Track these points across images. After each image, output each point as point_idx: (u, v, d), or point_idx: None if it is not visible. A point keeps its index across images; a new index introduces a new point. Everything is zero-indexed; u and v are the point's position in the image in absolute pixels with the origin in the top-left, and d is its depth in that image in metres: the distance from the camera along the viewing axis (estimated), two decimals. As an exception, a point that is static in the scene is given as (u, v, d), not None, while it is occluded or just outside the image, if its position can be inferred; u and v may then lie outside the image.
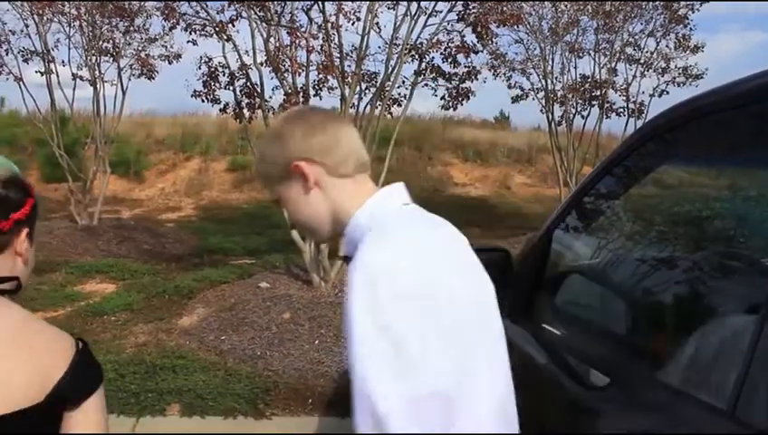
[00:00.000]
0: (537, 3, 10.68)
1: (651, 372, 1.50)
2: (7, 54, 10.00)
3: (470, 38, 6.41)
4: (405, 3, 6.20)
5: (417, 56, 6.39)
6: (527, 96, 11.84)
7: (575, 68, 11.40)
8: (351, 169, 1.33)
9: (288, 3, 6.18)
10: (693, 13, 10.80)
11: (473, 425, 1.14)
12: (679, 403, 1.32)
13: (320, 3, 5.96)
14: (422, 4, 6.16)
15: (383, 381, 1.06)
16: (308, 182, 1.29)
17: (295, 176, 1.29)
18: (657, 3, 10.57)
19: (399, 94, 6.62)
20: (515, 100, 12.00)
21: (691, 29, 11.09)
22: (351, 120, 5.98)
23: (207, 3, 6.21)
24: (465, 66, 6.55)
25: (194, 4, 6.22)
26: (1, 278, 1.23)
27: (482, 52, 7.10)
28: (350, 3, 6.19)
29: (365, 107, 6.53)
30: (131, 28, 10.06)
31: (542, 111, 11.63)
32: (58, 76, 10.37)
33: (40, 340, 1.20)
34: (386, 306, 1.09)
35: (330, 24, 5.96)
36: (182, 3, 6.27)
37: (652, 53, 11.34)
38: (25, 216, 1.30)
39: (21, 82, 10.16)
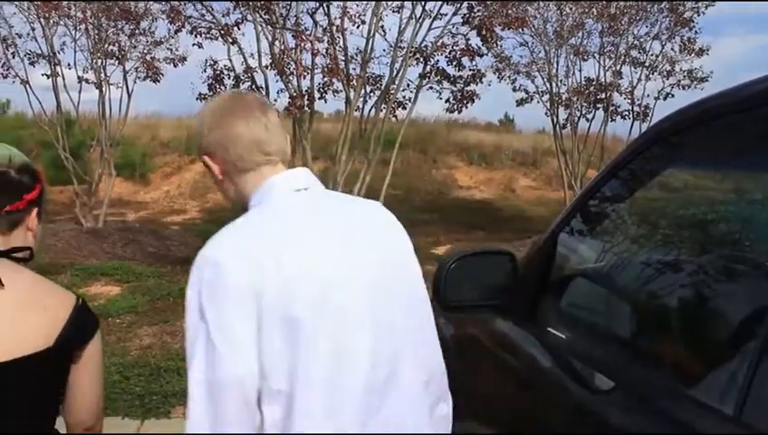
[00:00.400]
0: (542, 6, 10.68)
1: (656, 376, 1.50)
2: (14, 57, 10.05)
3: (475, 41, 6.43)
4: (410, 6, 6.21)
5: (421, 59, 6.40)
6: (532, 99, 11.84)
7: (580, 71, 11.42)
8: (252, 163, 1.38)
9: (293, 6, 6.20)
10: (698, 16, 10.78)
11: (301, 422, 1.17)
12: (685, 407, 1.32)
13: (325, 6, 5.97)
14: (427, 7, 6.17)
15: (195, 366, 1.18)
16: (215, 173, 1.41)
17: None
18: (662, 6, 10.55)
19: (404, 97, 6.64)
20: (520, 103, 12.00)
21: (696, 32, 11.08)
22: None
23: (213, 6, 6.24)
24: (470, 69, 6.57)
25: (199, 7, 6.24)
26: (16, 248, 1.48)
27: (486, 55, 7.11)
28: (355, 6, 6.21)
29: (370, 110, 6.56)
30: (137, 31, 10.09)
31: (546, 113, 11.64)
32: (64, 79, 10.40)
33: (48, 297, 1.49)
34: (210, 296, 1.19)
35: (335, 28, 5.98)
36: (188, 6, 6.28)
37: (657, 56, 11.33)
38: (36, 197, 1.55)
39: (27, 85, 10.21)
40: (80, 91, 10.55)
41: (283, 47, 6.03)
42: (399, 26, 6.28)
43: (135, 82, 10.47)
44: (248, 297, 1.18)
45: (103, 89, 10.32)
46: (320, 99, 6.47)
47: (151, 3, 9.47)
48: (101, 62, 10.22)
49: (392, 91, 6.36)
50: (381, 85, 6.51)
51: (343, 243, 1.32)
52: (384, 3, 6.23)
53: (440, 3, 6.21)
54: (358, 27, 6.13)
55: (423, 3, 6.15)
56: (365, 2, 6.27)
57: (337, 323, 1.24)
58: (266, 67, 6.24)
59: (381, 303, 1.31)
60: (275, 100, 6.50)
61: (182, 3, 6.29)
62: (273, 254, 1.22)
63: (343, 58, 6.08)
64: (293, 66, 6.01)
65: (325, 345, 1.21)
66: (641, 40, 11.22)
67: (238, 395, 1.17)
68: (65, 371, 1.50)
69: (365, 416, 1.24)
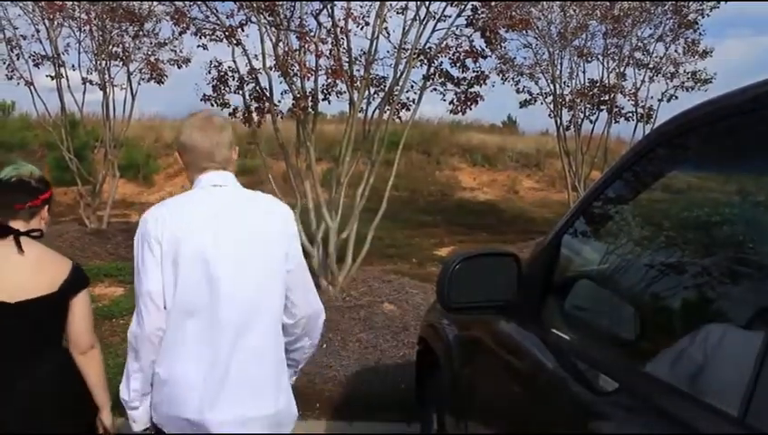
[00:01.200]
0: (546, 8, 10.67)
1: (660, 377, 1.50)
2: (18, 59, 10.08)
3: (479, 43, 6.41)
4: (414, 7, 6.21)
5: (425, 61, 6.40)
6: (535, 100, 11.84)
7: (584, 72, 11.40)
8: (199, 167, 2.18)
9: (297, 8, 6.20)
10: (703, 18, 10.76)
11: (169, 322, 2.05)
12: (689, 409, 1.32)
13: (329, 7, 5.98)
14: (431, 8, 6.17)
15: (135, 282, 2.11)
16: (182, 163, 2.26)
17: None
18: (666, 8, 10.53)
19: (408, 99, 6.63)
20: (524, 104, 12.00)
21: (700, 34, 11.06)
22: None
23: (217, 8, 6.24)
24: (474, 71, 6.54)
25: (204, 8, 6.25)
26: (33, 230, 2.40)
27: (490, 56, 7.10)
28: (359, 8, 6.21)
29: (374, 111, 6.55)
30: (141, 33, 10.11)
31: (550, 115, 11.62)
32: (68, 80, 10.43)
33: (53, 261, 2.42)
34: (139, 241, 2.08)
35: (339, 29, 5.98)
36: (192, 7, 6.29)
37: (661, 58, 11.31)
38: (48, 198, 2.50)
39: (31, 87, 10.23)
40: (84, 93, 10.58)
41: (287, 49, 6.03)
42: (403, 28, 6.27)
43: (139, 84, 10.51)
44: (155, 244, 2.03)
45: (107, 90, 10.34)
46: (323, 100, 6.46)
47: (155, 4, 9.50)
48: (106, 64, 10.24)
49: (396, 93, 6.36)
50: (385, 87, 6.50)
51: (222, 221, 2.09)
52: (388, 4, 6.22)
53: (444, 4, 6.21)
54: (362, 29, 6.13)
55: (427, 4, 6.14)
56: (369, 2, 6.26)
57: (204, 271, 2.03)
58: (270, 68, 6.23)
59: (242, 267, 2.07)
60: (279, 101, 6.51)
61: (186, 4, 6.29)
62: (172, 220, 2.05)
63: (347, 60, 6.08)
64: (297, 68, 6.01)
65: (198, 295, 2.04)
66: (645, 42, 11.21)
67: (149, 300, 2.04)
68: (65, 309, 2.40)
69: (230, 342, 2.06)
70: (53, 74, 10.22)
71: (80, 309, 2.44)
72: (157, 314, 2.04)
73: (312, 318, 2.29)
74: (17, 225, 2.38)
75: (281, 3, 6.02)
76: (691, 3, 10.61)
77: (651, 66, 11.31)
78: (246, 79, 6.47)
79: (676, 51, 11.30)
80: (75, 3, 9.64)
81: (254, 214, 2.17)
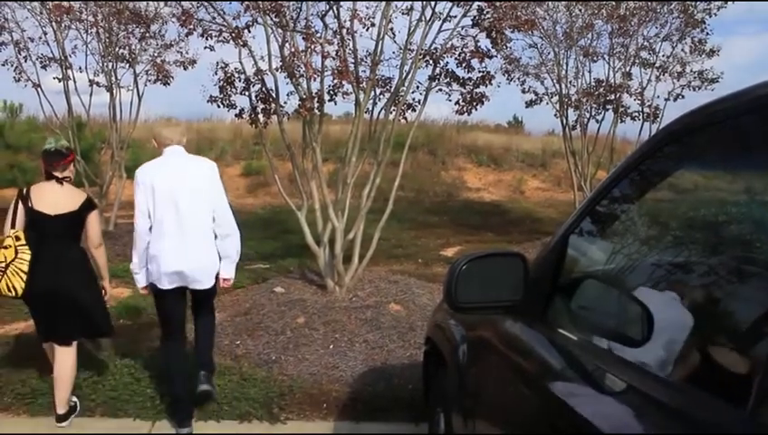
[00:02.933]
0: (551, 7, 10.66)
1: (668, 376, 1.50)
2: (26, 61, 10.15)
3: (484, 43, 6.40)
4: (419, 8, 6.21)
5: (431, 61, 6.39)
6: (541, 100, 11.83)
7: (589, 72, 11.40)
8: (162, 147, 4.20)
9: (303, 9, 6.21)
10: (710, 17, 10.72)
11: (161, 232, 4.02)
12: (698, 407, 1.32)
13: (335, 8, 5.99)
14: (437, 9, 6.17)
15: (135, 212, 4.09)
16: (155, 145, 4.30)
17: None
18: (672, 7, 10.51)
19: (414, 99, 6.62)
20: (529, 104, 11.99)
21: (707, 33, 11.03)
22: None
23: (224, 9, 6.25)
24: (480, 71, 6.54)
25: (210, 10, 6.26)
26: (65, 177, 4.31)
27: (496, 57, 7.09)
28: (365, 8, 6.21)
29: (379, 112, 6.55)
30: (147, 34, 10.15)
31: (556, 115, 11.62)
32: (75, 82, 10.50)
33: (75, 193, 4.37)
34: (136, 187, 4.09)
35: (344, 30, 5.98)
36: (198, 9, 6.30)
37: (667, 57, 11.28)
38: (73, 158, 4.44)
39: (39, 89, 10.29)
40: (91, 95, 10.65)
41: (293, 50, 6.03)
42: (409, 28, 6.27)
43: (145, 85, 10.56)
44: (147, 188, 4.00)
45: (114, 92, 10.40)
46: (329, 101, 6.47)
47: (162, 6, 9.54)
48: (112, 66, 10.30)
49: (402, 94, 6.36)
50: (391, 87, 6.50)
51: (178, 174, 4.08)
52: (393, 5, 6.23)
53: (450, 5, 6.20)
54: (367, 30, 6.13)
55: (432, 5, 6.14)
56: (375, 3, 6.26)
57: (172, 202, 3.97)
58: (276, 70, 6.24)
59: (190, 198, 4.01)
60: (285, 102, 6.52)
61: (193, 5, 6.30)
62: (152, 173, 4.05)
63: (353, 60, 6.08)
64: (303, 69, 6.02)
65: (167, 209, 3.99)
66: (651, 41, 11.19)
67: (141, 214, 4.03)
68: (83, 220, 4.27)
69: (181, 231, 4.00)
70: (60, 76, 10.28)
71: (91, 221, 4.37)
72: (145, 221, 4.05)
73: (223, 227, 4.14)
74: (57, 173, 4.30)
75: (287, 4, 6.03)
76: (698, 2, 10.58)
77: (657, 65, 11.29)
78: (253, 80, 6.48)
79: (682, 50, 11.28)
80: (83, 5, 9.68)
81: (194, 166, 4.24)
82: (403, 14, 6.36)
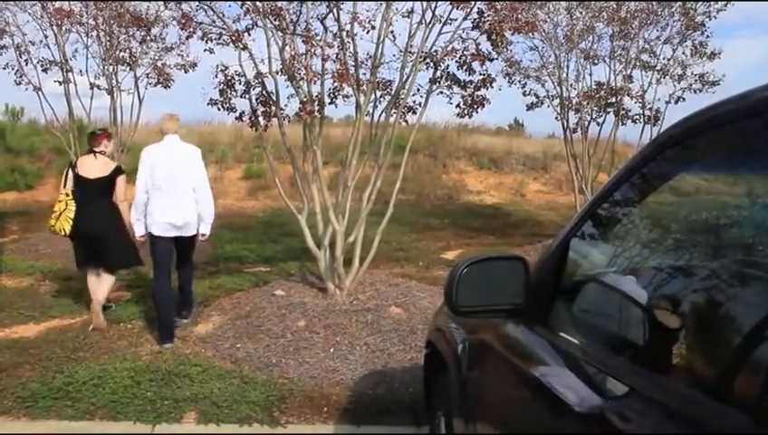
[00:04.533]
0: (552, 10, 10.66)
1: (670, 380, 1.49)
2: (27, 64, 10.14)
3: (485, 45, 6.40)
4: (420, 11, 6.20)
5: (431, 64, 6.39)
6: (542, 103, 11.81)
7: (590, 75, 11.35)
8: (163, 135, 5.82)
9: (303, 12, 6.21)
10: (710, 20, 10.72)
11: (157, 196, 5.62)
12: (700, 410, 1.31)
13: (335, 11, 5.98)
14: (437, 12, 6.17)
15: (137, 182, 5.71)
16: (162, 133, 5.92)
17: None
18: (673, 9, 10.50)
19: (414, 102, 6.62)
20: (530, 107, 11.96)
21: (708, 36, 11.02)
22: (364, 126, 6.04)
23: (224, 12, 6.25)
24: (480, 74, 6.53)
25: (210, 13, 6.26)
26: (102, 151, 6.32)
27: (497, 59, 7.08)
28: (366, 11, 6.21)
29: (380, 115, 6.55)
30: (148, 37, 10.16)
31: (556, 118, 11.59)
32: (76, 85, 10.49)
33: (108, 163, 6.34)
34: (140, 163, 5.74)
35: (345, 33, 5.98)
36: (198, 12, 6.30)
37: (668, 60, 11.27)
38: (107, 136, 6.50)
39: (40, 92, 10.29)
40: (91, 98, 10.63)
41: (293, 53, 6.03)
42: (409, 31, 6.26)
43: (146, 88, 10.55)
44: (148, 163, 5.65)
45: (115, 95, 10.39)
46: (330, 104, 6.46)
47: (162, 9, 9.54)
48: (113, 69, 10.30)
49: (402, 96, 6.35)
50: (391, 90, 6.49)
51: (172, 154, 5.70)
52: (394, 8, 6.22)
53: (450, 8, 6.20)
54: (368, 32, 6.12)
55: (433, 7, 6.14)
56: (375, 3, 6.26)
57: (167, 174, 5.61)
58: (277, 72, 6.23)
59: (179, 172, 5.65)
60: (286, 105, 6.50)
61: (193, 8, 6.30)
62: (153, 152, 5.72)
63: (353, 63, 6.07)
64: (304, 71, 6.01)
65: (162, 178, 5.59)
66: (652, 44, 11.16)
67: (142, 185, 5.64)
68: (113, 183, 6.18)
69: (170, 194, 5.60)
70: (61, 80, 10.28)
71: (119, 183, 6.20)
72: (144, 189, 5.60)
73: (201, 195, 5.72)
74: (96, 148, 6.25)
75: (287, 6, 6.03)
76: (698, 5, 10.57)
77: (658, 68, 11.27)
78: (253, 83, 6.48)
79: (683, 53, 11.27)
80: (83, 8, 9.69)
81: (183, 150, 5.78)
82: (403, 16, 6.36)
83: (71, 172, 6.26)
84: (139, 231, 5.72)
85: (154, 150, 5.71)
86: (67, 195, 6.16)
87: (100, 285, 6.19)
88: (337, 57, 5.98)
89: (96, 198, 6.12)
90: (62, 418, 4.40)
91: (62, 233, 6.17)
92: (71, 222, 6.07)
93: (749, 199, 1.59)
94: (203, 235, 5.84)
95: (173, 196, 5.58)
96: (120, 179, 6.21)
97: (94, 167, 6.19)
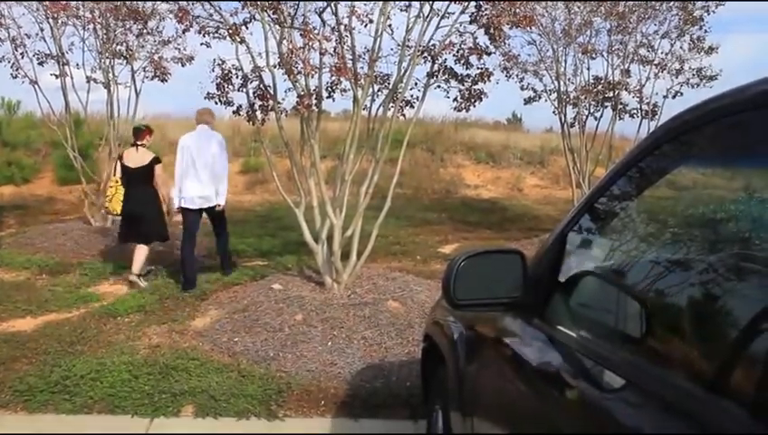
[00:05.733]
0: (550, 4, 10.64)
1: (667, 374, 1.50)
2: (23, 57, 10.10)
3: (483, 40, 6.39)
4: (417, 5, 6.19)
5: (429, 58, 6.38)
6: (540, 98, 11.81)
7: (588, 69, 11.36)
8: (197, 124, 7.36)
9: (301, 5, 6.20)
10: (708, 14, 10.72)
11: (188, 174, 7.15)
12: (697, 404, 1.32)
13: (333, 5, 5.97)
14: (434, 6, 6.16)
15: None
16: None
17: None
18: (671, 4, 10.49)
19: (412, 96, 6.61)
20: (528, 101, 11.96)
21: (706, 30, 11.01)
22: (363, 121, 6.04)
23: (221, 5, 6.23)
24: (478, 68, 6.53)
25: (207, 6, 6.24)
26: (143, 144, 7.49)
27: (494, 53, 7.08)
28: (363, 5, 6.19)
29: (377, 109, 6.54)
30: (145, 31, 10.13)
31: (554, 112, 11.59)
32: (72, 79, 10.46)
33: (147, 153, 7.49)
34: (179, 146, 7.26)
35: (342, 27, 5.97)
36: (195, 6, 6.28)
37: (666, 55, 11.26)
38: (150, 133, 7.76)
39: (36, 85, 10.25)
40: (88, 91, 10.61)
41: (290, 46, 6.01)
42: (407, 25, 6.25)
43: (143, 82, 10.52)
44: (183, 148, 7.19)
45: (111, 89, 10.36)
46: (327, 98, 6.45)
47: (159, 3, 9.51)
48: (110, 62, 10.27)
49: (400, 90, 6.35)
50: (389, 84, 6.49)
51: (200, 140, 7.19)
52: (392, 2, 6.21)
53: (448, 1, 6.19)
54: (366, 26, 6.10)
55: (431, 2, 6.13)
56: (373, 0, 6.25)
57: (195, 156, 7.10)
58: (274, 66, 6.22)
59: (205, 156, 7.12)
60: (283, 99, 6.50)
61: (190, 2, 6.28)
62: (187, 139, 7.23)
63: (351, 57, 6.06)
64: (301, 65, 5.99)
65: (191, 160, 7.10)
66: (650, 38, 11.17)
67: (178, 169, 7.17)
68: (152, 170, 7.39)
69: (199, 174, 7.11)
70: (58, 73, 10.25)
71: (157, 170, 7.40)
72: (180, 171, 7.14)
73: (220, 175, 7.15)
74: (139, 141, 7.47)
75: (284, 0, 6.02)
76: (697, 0, 10.57)
77: (656, 63, 11.27)
78: (250, 77, 6.46)
79: (681, 47, 11.27)
80: (79, 1, 9.65)
81: (210, 137, 7.23)
82: (401, 10, 6.35)
83: (119, 163, 7.64)
84: (176, 204, 7.24)
85: (187, 138, 7.20)
86: (117, 181, 7.74)
87: (135, 256, 7.38)
88: (335, 51, 5.97)
89: (137, 184, 7.37)
90: (60, 412, 4.41)
91: (115, 213, 7.86)
92: (120, 204, 7.62)
93: (746, 193, 1.59)
94: (218, 205, 7.19)
95: (198, 175, 7.04)
96: (158, 167, 7.43)
97: (136, 158, 7.41)
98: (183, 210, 7.17)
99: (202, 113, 7.26)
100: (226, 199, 7.32)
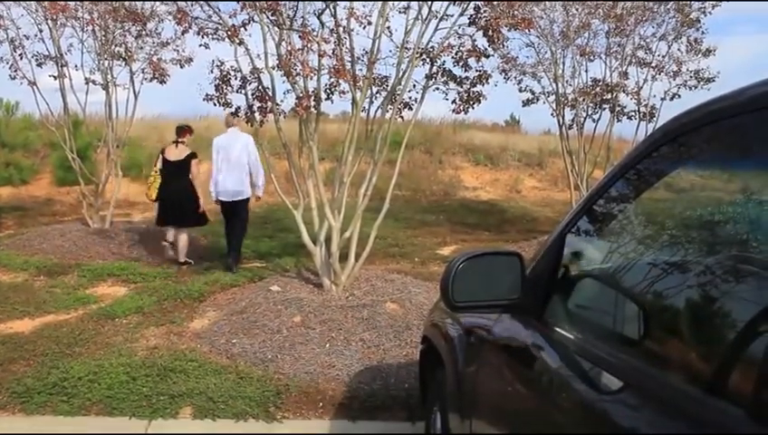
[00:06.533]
0: (548, 7, 10.65)
1: (665, 376, 1.50)
2: (21, 59, 10.06)
3: (481, 42, 6.39)
4: (416, 7, 6.20)
5: (428, 60, 6.39)
6: (538, 100, 11.81)
7: (586, 71, 11.37)
8: (227, 127, 8.35)
9: (300, 7, 6.20)
10: (705, 16, 10.74)
11: (220, 169, 8.27)
12: (695, 405, 1.32)
13: (331, 7, 5.97)
14: (433, 7, 6.16)
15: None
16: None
17: None
18: (668, 6, 10.51)
19: (410, 98, 6.61)
20: (526, 103, 11.97)
21: (703, 32, 11.03)
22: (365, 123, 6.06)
23: (219, 7, 6.23)
24: (477, 70, 6.53)
25: (206, 8, 6.24)
26: (183, 141, 8.51)
27: (493, 55, 7.08)
28: (362, 7, 6.20)
29: (376, 111, 6.54)
30: (143, 32, 10.10)
31: (552, 114, 11.59)
32: (71, 80, 10.43)
33: (185, 149, 8.48)
34: (213, 147, 8.45)
35: (341, 28, 5.97)
36: (194, 7, 6.28)
37: (664, 57, 11.28)
38: (191, 132, 8.76)
39: (35, 87, 10.23)
40: (87, 93, 10.57)
41: (289, 48, 6.01)
42: (406, 27, 6.25)
43: (142, 84, 10.48)
44: (216, 148, 8.34)
45: (110, 90, 10.34)
46: (326, 100, 6.45)
47: (158, 4, 9.50)
48: (108, 64, 10.25)
49: (398, 92, 6.35)
50: (387, 86, 6.49)
51: (231, 140, 8.23)
52: (390, 4, 6.21)
53: (447, 4, 6.19)
54: (364, 28, 6.10)
55: (429, 4, 6.13)
56: (371, 2, 6.25)
57: (227, 155, 8.20)
58: (273, 68, 6.22)
59: (235, 154, 8.17)
60: (282, 100, 6.50)
61: (189, 3, 6.28)
62: (219, 140, 8.38)
63: (350, 59, 6.07)
64: (300, 67, 5.99)
65: (224, 159, 8.21)
66: (648, 40, 11.17)
67: (214, 166, 8.34)
68: (189, 164, 8.34)
69: (229, 170, 8.20)
70: (56, 74, 10.22)
71: (193, 165, 8.34)
72: (216, 167, 8.30)
73: (254, 170, 8.21)
74: (179, 139, 8.48)
75: (283, 2, 6.02)
76: (693, 1, 10.59)
77: (654, 65, 11.28)
78: (249, 78, 6.46)
79: (678, 49, 11.28)
80: (78, 3, 9.64)
81: (240, 137, 8.23)
82: (400, 12, 6.35)
83: (160, 156, 8.54)
84: (213, 197, 8.33)
85: (220, 139, 8.33)
86: (156, 172, 8.52)
87: (177, 246, 8.48)
88: (333, 53, 5.98)
89: (175, 175, 8.31)
90: (58, 413, 4.41)
91: (151, 199, 8.62)
92: (157, 192, 8.44)
93: (744, 196, 1.60)
94: (258, 196, 8.49)
95: (229, 171, 8.12)
96: (194, 162, 8.36)
97: (175, 152, 8.41)
98: (219, 203, 8.32)
99: (231, 116, 7.70)
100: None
